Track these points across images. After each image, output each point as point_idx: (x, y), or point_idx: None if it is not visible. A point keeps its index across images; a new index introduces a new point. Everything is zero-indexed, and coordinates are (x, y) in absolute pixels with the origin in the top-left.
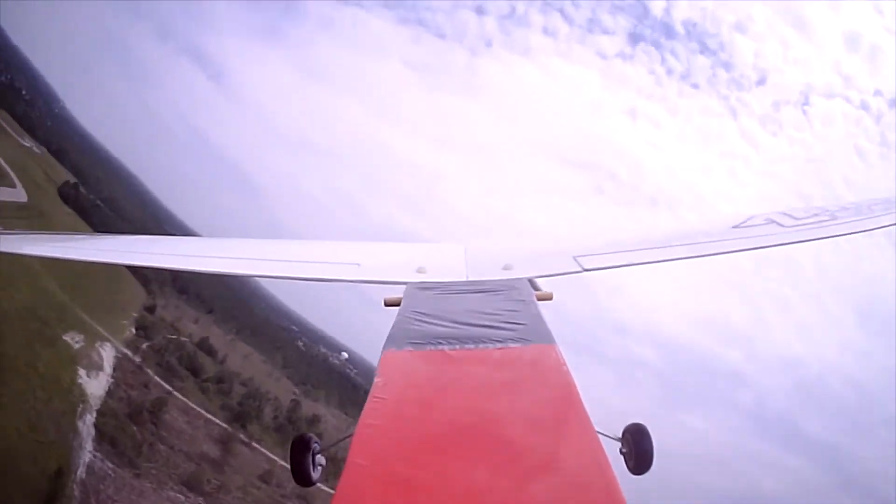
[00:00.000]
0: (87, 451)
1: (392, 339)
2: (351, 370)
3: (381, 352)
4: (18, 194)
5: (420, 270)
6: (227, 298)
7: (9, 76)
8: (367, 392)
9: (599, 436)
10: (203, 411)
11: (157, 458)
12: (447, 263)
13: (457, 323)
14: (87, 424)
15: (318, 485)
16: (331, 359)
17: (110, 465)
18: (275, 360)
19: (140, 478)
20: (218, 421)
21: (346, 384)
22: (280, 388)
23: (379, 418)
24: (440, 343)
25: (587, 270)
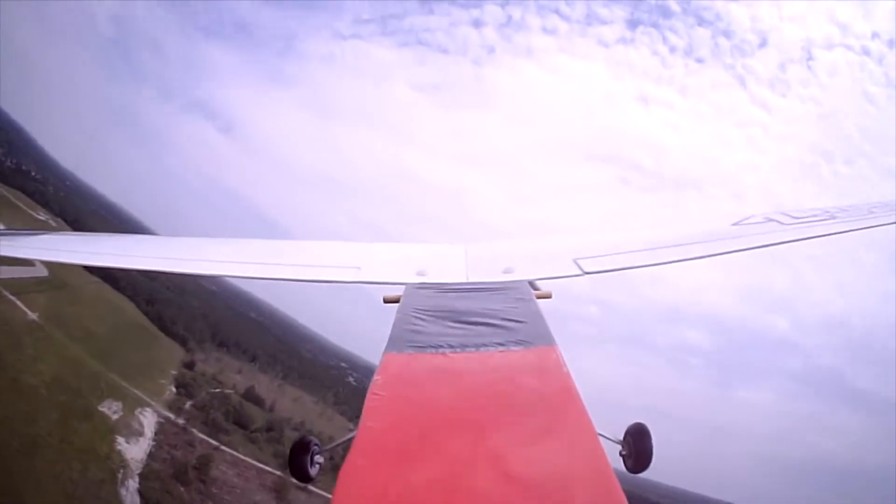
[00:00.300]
0: None
1: (392, 342)
2: None
3: (382, 354)
4: (38, 270)
5: (420, 272)
6: (270, 345)
7: (15, 160)
8: None
9: (600, 437)
10: (254, 461)
11: None
12: (447, 265)
13: (457, 325)
14: (129, 491)
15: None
16: None
17: None
18: (326, 399)
19: None
20: (271, 469)
21: None
22: (334, 427)
23: (379, 420)
24: (440, 346)
25: (587, 273)
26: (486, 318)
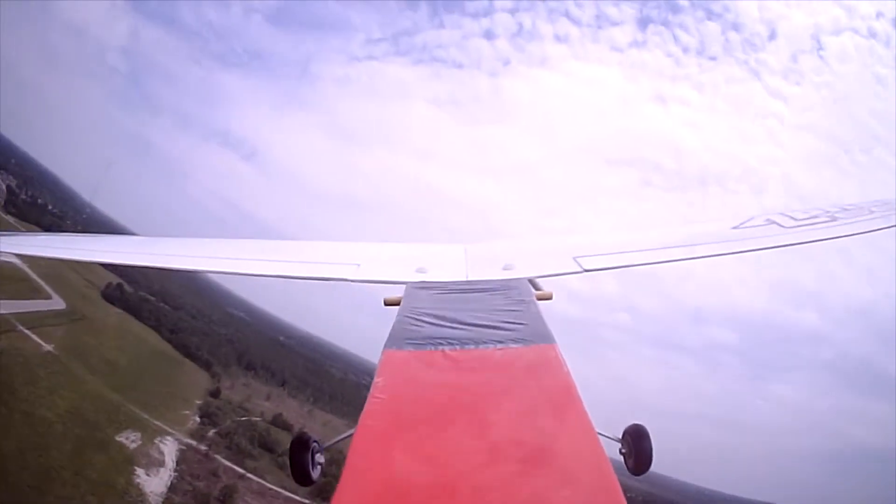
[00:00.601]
0: None
1: (392, 339)
2: None
3: (382, 351)
4: (55, 303)
5: (420, 270)
6: (300, 367)
7: (30, 193)
8: None
9: (600, 436)
10: (281, 490)
11: None
12: (447, 264)
13: (457, 323)
14: None
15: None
16: None
17: None
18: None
19: None
20: (299, 498)
21: None
22: None
23: (378, 418)
24: (440, 343)
25: (587, 271)
26: (486, 317)
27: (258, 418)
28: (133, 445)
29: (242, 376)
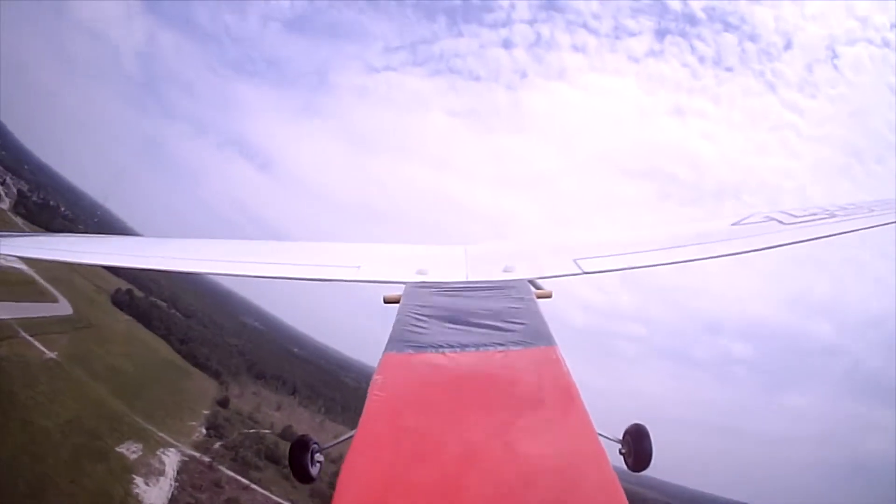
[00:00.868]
0: None
1: (392, 342)
2: None
3: (382, 354)
4: (62, 308)
5: (421, 272)
6: (312, 375)
7: (42, 195)
8: None
9: (600, 437)
10: (286, 502)
11: None
12: (448, 264)
13: (457, 325)
14: None
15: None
16: None
17: None
18: None
19: None
20: None
21: None
22: None
23: (378, 421)
24: (441, 346)
25: (586, 273)
26: (487, 318)
27: (267, 430)
28: (134, 456)
29: (252, 385)
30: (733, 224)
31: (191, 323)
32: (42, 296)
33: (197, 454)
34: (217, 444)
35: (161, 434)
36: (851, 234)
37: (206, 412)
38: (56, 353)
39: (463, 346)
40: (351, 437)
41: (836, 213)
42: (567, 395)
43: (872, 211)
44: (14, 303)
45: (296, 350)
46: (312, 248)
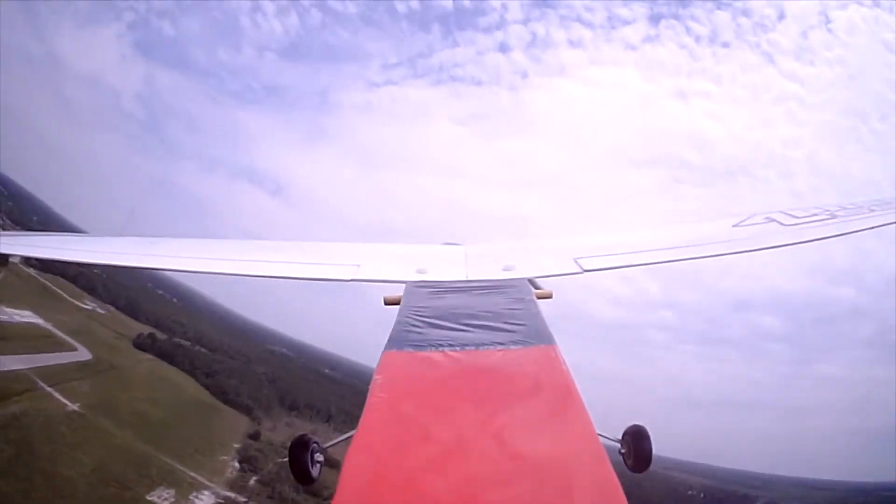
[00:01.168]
0: None
1: (392, 340)
2: None
3: (382, 352)
4: (79, 354)
5: (420, 271)
6: (346, 399)
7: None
8: None
9: (600, 437)
10: None
11: None
12: (447, 263)
13: (457, 324)
14: None
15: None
16: None
17: None
18: None
19: None
20: None
21: None
22: None
23: (379, 419)
24: (440, 345)
25: (587, 271)
26: (487, 317)
27: None
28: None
29: (285, 416)
30: (734, 225)
31: (216, 356)
32: (60, 346)
33: (232, 494)
34: (252, 480)
35: (193, 474)
36: (848, 233)
37: (236, 446)
38: (79, 404)
39: (463, 345)
40: (351, 436)
41: (837, 213)
42: (566, 394)
43: (873, 211)
44: (31, 355)
45: (327, 371)
46: (312, 248)
